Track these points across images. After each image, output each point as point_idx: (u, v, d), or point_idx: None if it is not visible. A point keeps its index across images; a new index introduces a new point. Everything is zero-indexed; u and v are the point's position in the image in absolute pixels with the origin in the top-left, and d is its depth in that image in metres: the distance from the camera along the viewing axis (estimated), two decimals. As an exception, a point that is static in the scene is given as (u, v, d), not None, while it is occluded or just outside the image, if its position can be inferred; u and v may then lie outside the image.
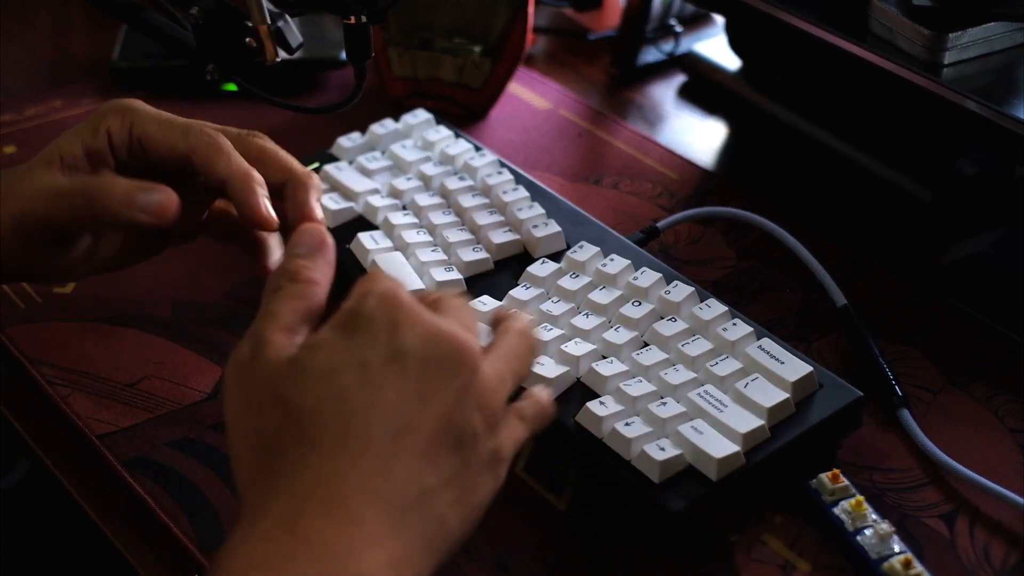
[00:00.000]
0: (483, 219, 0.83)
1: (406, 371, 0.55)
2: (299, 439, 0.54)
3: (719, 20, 1.14)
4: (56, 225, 0.70)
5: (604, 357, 0.73)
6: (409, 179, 0.88)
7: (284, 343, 0.57)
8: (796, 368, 0.70)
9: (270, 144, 0.75)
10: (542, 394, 0.63)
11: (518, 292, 0.78)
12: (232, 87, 1.01)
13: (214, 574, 0.52)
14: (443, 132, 0.92)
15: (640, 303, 0.75)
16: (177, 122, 0.73)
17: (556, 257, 0.81)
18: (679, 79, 1.11)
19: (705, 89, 1.09)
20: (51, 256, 0.72)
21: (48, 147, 0.71)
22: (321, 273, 0.61)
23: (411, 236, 0.82)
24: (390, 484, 0.53)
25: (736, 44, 1.06)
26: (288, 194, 0.72)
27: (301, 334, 0.58)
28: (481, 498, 0.56)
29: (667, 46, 1.12)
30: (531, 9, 1.00)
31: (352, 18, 0.83)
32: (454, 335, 0.56)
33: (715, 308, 0.74)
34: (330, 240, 0.63)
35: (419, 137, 0.92)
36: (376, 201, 0.86)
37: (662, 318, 0.75)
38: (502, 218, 0.83)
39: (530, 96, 1.06)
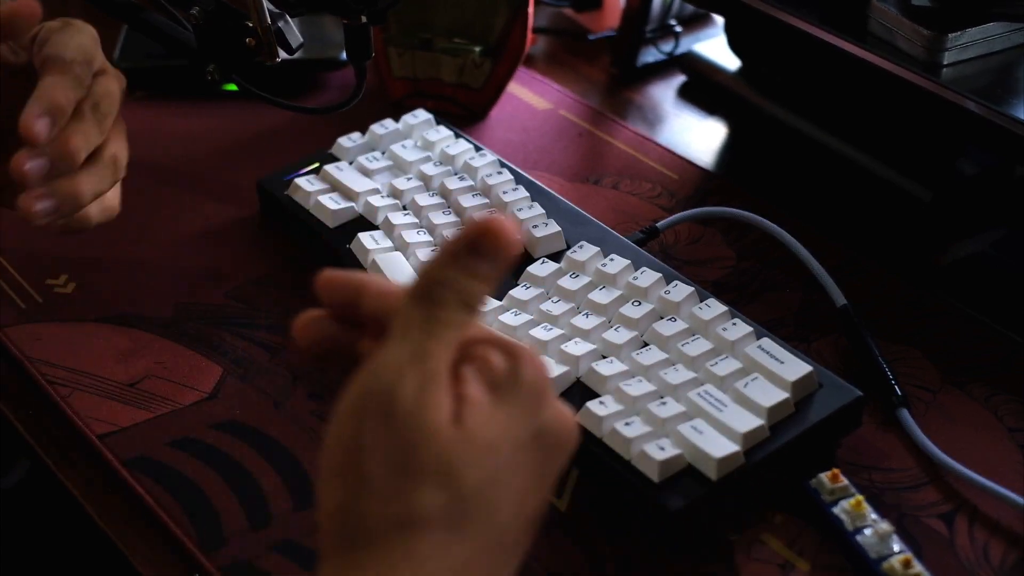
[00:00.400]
0: (483, 219, 0.83)
1: (543, 455, 0.51)
2: (450, 522, 0.49)
3: (719, 20, 1.14)
4: None
5: (604, 357, 0.73)
6: (409, 179, 0.88)
7: (448, 389, 0.50)
8: (796, 368, 0.70)
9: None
10: None
11: (518, 292, 0.78)
12: (232, 87, 1.00)
13: None
14: (443, 132, 0.92)
15: (640, 303, 0.75)
16: None
17: (556, 257, 0.81)
18: (679, 79, 1.11)
19: (705, 89, 1.09)
20: None
21: None
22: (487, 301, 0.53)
23: (411, 236, 0.82)
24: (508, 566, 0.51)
25: (736, 44, 1.06)
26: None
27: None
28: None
29: (667, 46, 1.12)
30: (531, 9, 1.00)
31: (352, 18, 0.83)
32: (571, 418, 0.53)
33: (715, 308, 0.74)
34: (518, 247, 0.53)
35: (419, 137, 0.92)
36: (376, 201, 0.86)
37: (662, 318, 0.75)
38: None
39: (530, 96, 1.06)
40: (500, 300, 0.78)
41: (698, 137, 1.04)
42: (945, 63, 0.84)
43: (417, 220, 0.84)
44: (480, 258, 0.51)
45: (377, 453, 0.49)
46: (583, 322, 0.75)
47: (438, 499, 0.48)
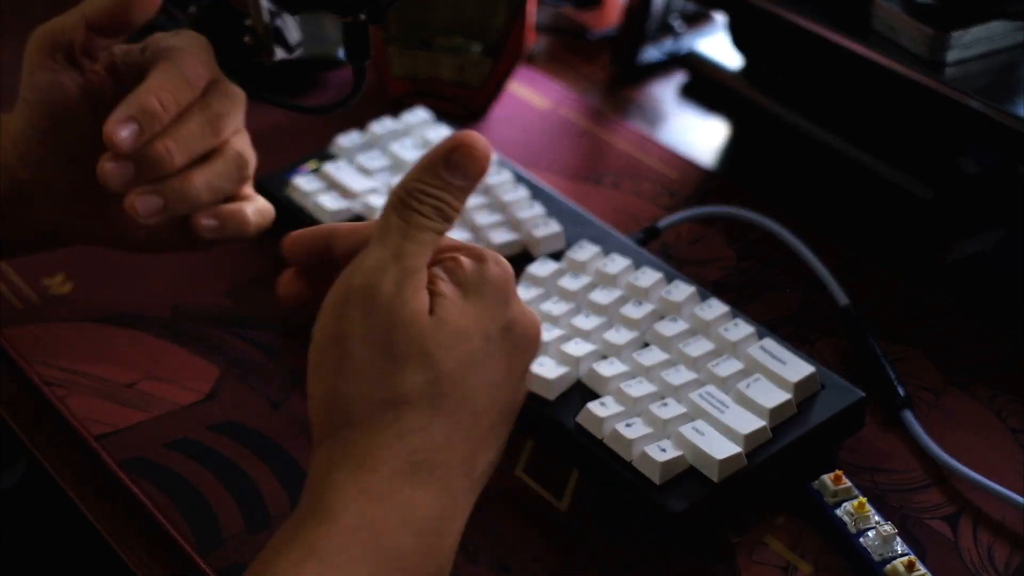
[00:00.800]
0: (483, 219, 0.82)
1: (511, 348, 0.58)
2: (431, 400, 0.55)
3: (720, 19, 1.14)
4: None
5: (604, 357, 0.72)
6: (409, 178, 0.87)
7: (424, 286, 0.56)
8: (798, 368, 0.70)
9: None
10: None
11: (518, 292, 0.78)
12: (231, 86, 1.00)
13: (314, 499, 0.53)
14: (443, 131, 0.92)
15: (640, 303, 0.75)
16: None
17: (556, 257, 0.80)
18: (680, 78, 1.11)
19: (706, 88, 1.09)
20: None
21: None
22: (462, 211, 0.59)
23: (411, 236, 0.82)
24: (477, 460, 0.56)
25: (737, 43, 1.06)
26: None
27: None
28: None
29: (668, 45, 1.11)
30: (531, 8, 1.00)
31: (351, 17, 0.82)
32: (535, 317, 0.60)
33: (716, 308, 0.74)
34: (488, 164, 0.58)
35: (419, 136, 0.92)
36: (375, 200, 0.86)
37: (663, 318, 0.75)
38: (502, 218, 0.83)
39: (530, 95, 1.06)
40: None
41: (699, 136, 1.04)
42: (948, 62, 0.84)
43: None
44: (454, 170, 0.57)
45: (361, 341, 0.54)
46: (583, 322, 0.74)
47: (418, 379, 0.54)
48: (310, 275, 0.60)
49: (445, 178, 0.57)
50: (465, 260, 0.58)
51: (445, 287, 0.57)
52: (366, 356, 0.54)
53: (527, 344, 0.59)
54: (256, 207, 0.73)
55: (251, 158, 0.74)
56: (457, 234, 0.81)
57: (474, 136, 0.57)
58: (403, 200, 0.57)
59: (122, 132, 0.65)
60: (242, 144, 0.73)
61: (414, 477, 0.54)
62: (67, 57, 0.70)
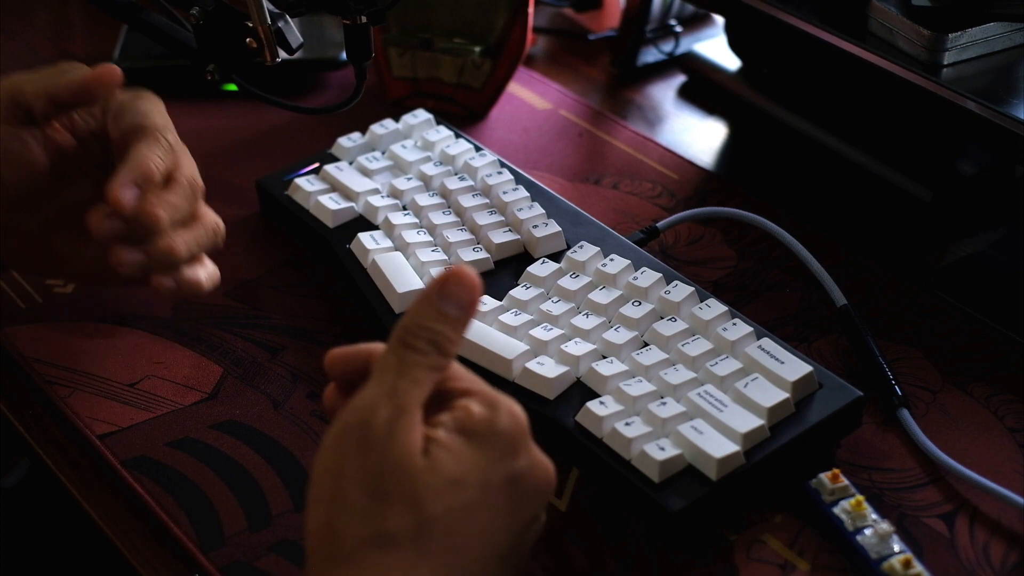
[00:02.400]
0: (483, 219, 0.83)
1: (518, 498, 0.58)
2: (416, 542, 0.55)
3: (719, 20, 1.14)
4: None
5: (604, 357, 0.73)
6: (409, 179, 0.88)
7: (419, 426, 0.56)
8: (796, 368, 0.70)
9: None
10: None
11: (518, 292, 0.78)
12: (232, 87, 1.01)
13: None
14: (443, 132, 0.92)
15: (640, 303, 0.75)
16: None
17: (556, 257, 0.81)
18: (679, 79, 1.11)
19: (705, 89, 1.09)
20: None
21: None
22: (460, 344, 0.59)
23: (411, 236, 0.82)
24: None
25: (736, 44, 1.06)
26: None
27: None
28: None
29: (667, 46, 1.12)
30: (531, 9, 1.00)
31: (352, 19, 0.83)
32: (550, 468, 0.60)
33: (715, 308, 0.74)
34: (480, 295, 0.60)
35: (419, 137, 0.92)
36: (376, 201, 0.86)
37: (662, 318, 0.75)
38: (502, 218, 0.83)
39: (530, 96, 1.06)
40: (500, 300, 0.78)
41: (698, 137, 1.04)
42: (945, 63, 0.84)
43: (417, 220, 0.84)
44: (447, 300, 0.58)
45: (352, 478, 0.55)
46: (583, 322, 0.75)
47: (405, 520, 0.54)
48: (350, 389, 0.60)
49: (439, 308, 0.58)
50: (476, 408, 0.58)
51: (445, 433, 0.57)
52: (356, 493, 0.55)
53: (536, 494, 0.59)
54: (208, 272, 0.76)
55: (222, 226, 0.77)
56: (457, 234, 0.82)
57: (464, 267, 0.59)
58: (401, 338, 0.58)
59: (126, 195, 0.70)
60: (212, 213, 0.76)
61: None
62: (27, 118, 0.74)
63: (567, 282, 0.78)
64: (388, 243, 0.82)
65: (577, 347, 0.73)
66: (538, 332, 0.74)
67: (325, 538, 0.55)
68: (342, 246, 0.84)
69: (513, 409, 0.58)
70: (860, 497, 0.67)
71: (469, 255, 0.80)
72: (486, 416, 0.57)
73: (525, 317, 0.76)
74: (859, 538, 0.66)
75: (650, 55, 1.12)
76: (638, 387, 0.70)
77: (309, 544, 0.56)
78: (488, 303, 0.77)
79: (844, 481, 0.68)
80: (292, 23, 0.87)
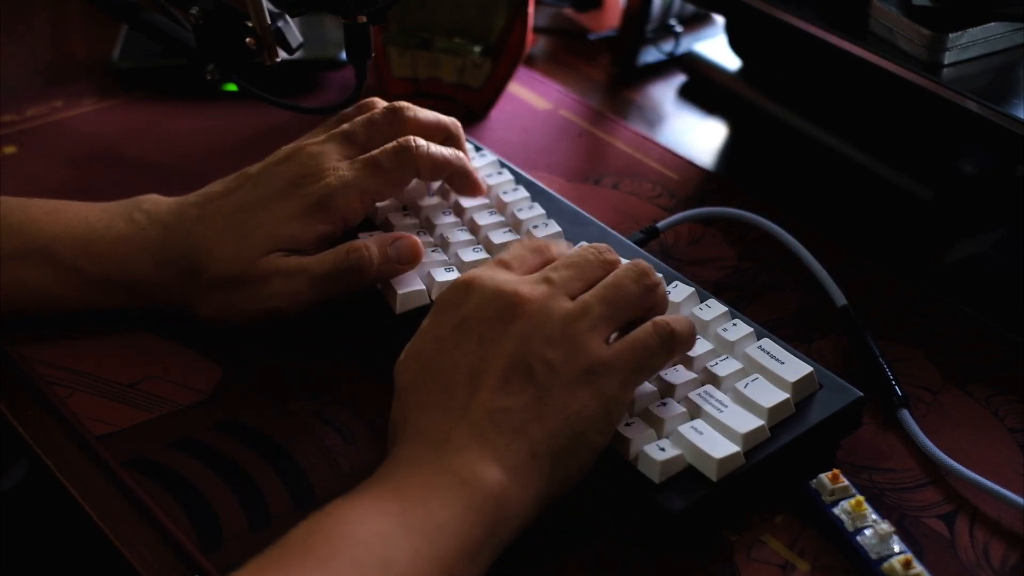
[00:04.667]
0: (483, 219, 0.83)
1: (469, 332, 0.66)
2: (405, 410, 0.66)
3: (719, 20, 1.14)
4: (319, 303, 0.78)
5: (604, 357, 0.73)
6: (409, 179, 0.88)
7: None
8: (796, 368, 0.70)
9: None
10: (664, 319, 0.69)
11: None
12: (232, 87, 1.01)
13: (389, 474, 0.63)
14: (443, 132, 0.92)
15: (640, 303, 0.75)
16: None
17: (556, 257, 0.81)
18: (679, 79, 1.11)
19: (705, 89, 1.09)
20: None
21: (263, 236, 0.77)
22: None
23: (411, 236, 0.82)
24: (471, 411, 0.63)
25: (736, 44, 1.06)
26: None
27: None
28: (578, 408, 0.64)
29: (667, 46, 1.12)
30: (531, 9, 1.00)
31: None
32: (506, 291, 0.66)
33: (715, 308, 0.74)
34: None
35: (419, 137, 0.92)
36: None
37: (662, 318, 0.75)
38: (502, 218, 0.83)
39: (530, 96, 1.06)
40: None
41: (698, 137, 1.04)
42: (945, 63, 0.84)
43: (417, 221, 0.84)
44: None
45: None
46: (583, 322, 0.75)
47: (398, 406, 0.67)
48: None
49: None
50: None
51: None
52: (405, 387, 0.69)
53: (499, 317, 0.66)
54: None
55: None
56: (457, 234, 0.82)
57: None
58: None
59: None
60: None
61: (416, 454, 0.64)
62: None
63: (567, 282, 0.78)
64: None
65: (577, 347, 0.73)
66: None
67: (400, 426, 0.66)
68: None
69: (460, 279, 0.68)
70: (860, 497, 0.67)
71: (469, 255, 0.80)
72: (438, 296, 0.69)
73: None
74: (859, 538, 0.66)
75: (650, 55, 1.12)
76: (638, 387, 0.70)
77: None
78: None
79: (844, 481, 0.68)
80: (292, 23, 0.87)
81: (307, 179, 0.77)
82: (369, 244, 0.77)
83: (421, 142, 0.80)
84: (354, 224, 0.79)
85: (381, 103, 0.83)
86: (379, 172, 0.78)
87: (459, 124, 0.84)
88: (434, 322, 0.67)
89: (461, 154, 0.82)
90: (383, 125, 0.81)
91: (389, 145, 0.79)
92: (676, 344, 0.68)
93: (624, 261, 0.71)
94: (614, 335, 0.68)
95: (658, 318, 0.68)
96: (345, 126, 0.81)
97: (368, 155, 0.79)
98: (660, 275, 0.70)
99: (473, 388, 0.64)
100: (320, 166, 0.78)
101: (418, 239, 0.78)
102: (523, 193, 0.85)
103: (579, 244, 0.73)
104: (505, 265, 0.69)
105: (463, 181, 0.83)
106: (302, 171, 0.78)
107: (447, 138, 0.83)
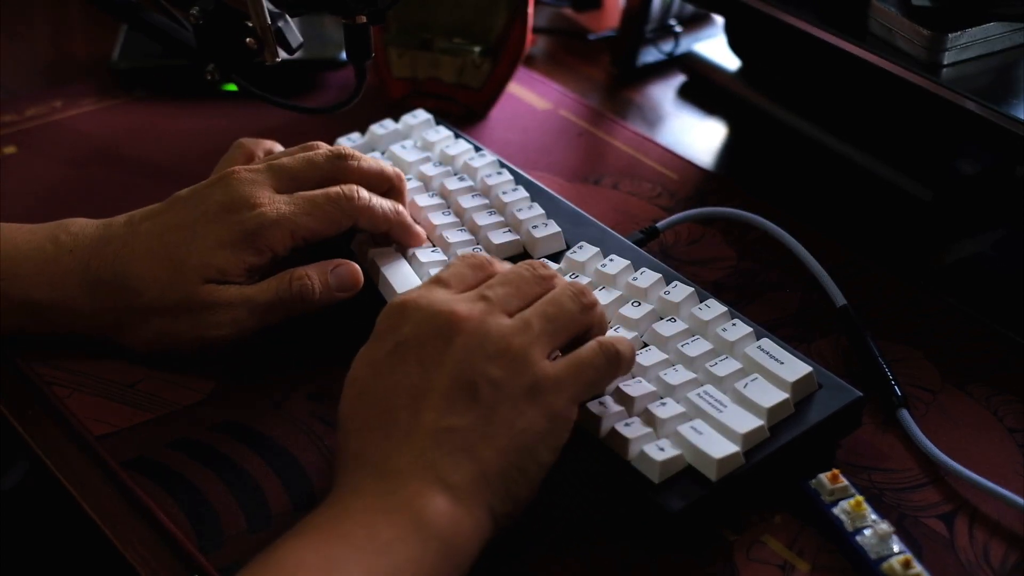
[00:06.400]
0: (483, 219, 0.83)
1: (406, 355, 0.64)
2: (347, 437, 0.64)
3: (719, 20, 1.14)
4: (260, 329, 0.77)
5: (604, 357, 0.73)
6: (409, 180, 0.88)
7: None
8: (795, 368, 0.70)
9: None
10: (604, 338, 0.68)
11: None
12: (232, 87, 1.01)
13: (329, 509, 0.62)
14: (443, 132, 0.92)
15: (640, 303, 0.75)
16: (326, 205, 0.78)
17: (556, 257, 0.81)
18: (679, 79, 1.11)
19: (705, 89, 1.09)
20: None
21: (195, 265, 0.75)
22: None
23: (411, 236, 0.82)
24: (413, 434, 0.62)
25: (736, 44, 1.06)
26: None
27: None
28: (526, 425, 0.63)
29: (667, 46, 1.12)
30: (531, 9, 1.00)
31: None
32: (442, 311, 0.65)
33: (715, 308, 0.74)
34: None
35: (419, 137, 0.92)
36: (375, 201, 0.86)
37: (661, 318, 0.75)
38: (502, 218, 0.83)
39: (530, 96, 1.06)
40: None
41: (698, 137, 1.04)
42: (945, 63, 0.84)
43: (417, 221, 0.84)
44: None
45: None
46: (583, 322, 0.75)
47: (342, 435, 0.65)
48: None
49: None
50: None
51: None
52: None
53: (437, 336, 0.64)
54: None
55: None
56: (456, 234, 0.82)
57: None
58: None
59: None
60: None
61: (362, 483, 0.62)
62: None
63: (567, 282, 0.78)
64: (388, 243, 0.82)
65: (577, 347, 0.73)
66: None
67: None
68: (343, 247, 0.84)
69: (391, 305, 0.67)
70: (860, 497, 0.67)
71: (469, 255, 0.80)
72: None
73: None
74: (859, 538, 0.66)
75: (650, 55, 1.12)
76: (637, 388, 0.70)
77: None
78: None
79: (844, 481, 0.68)
80: (292, 23, 0.87)
81: (239, 206, 0.76)
82: (310, 272, 0.76)
83: (364, 194, 0.78)
84: (282, 257, 0.77)
85: (325, 147, 0.81)
86: (317, 213, 0.77)
87: (403, 176, 0.82)
88: (371, 347, 0.66)
89: (401, 208, 0.80)
90: (323, 168, 0.79)
91: (333, 189, 0.78)
92: (620, 364, 0.67)
93: (561, 278, 0.69)
94: (555, 354, 0.67)
95: (601, 337, 0.67)
96: (284, 160, 0.79)
97: (309, 193, 0.77)
98: (596, 297, 0.69)
99: (415, 410, 0.63)
100: (253, 195, 0.76)
101: (357, 267, 0.78)
102: (523, 193, 0.85)
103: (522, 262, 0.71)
104: (443, 283, 0.68)
105: (401, 234, 0.81)
106: (234, 198, 0.76)
107: (389, 189, 0.81)
